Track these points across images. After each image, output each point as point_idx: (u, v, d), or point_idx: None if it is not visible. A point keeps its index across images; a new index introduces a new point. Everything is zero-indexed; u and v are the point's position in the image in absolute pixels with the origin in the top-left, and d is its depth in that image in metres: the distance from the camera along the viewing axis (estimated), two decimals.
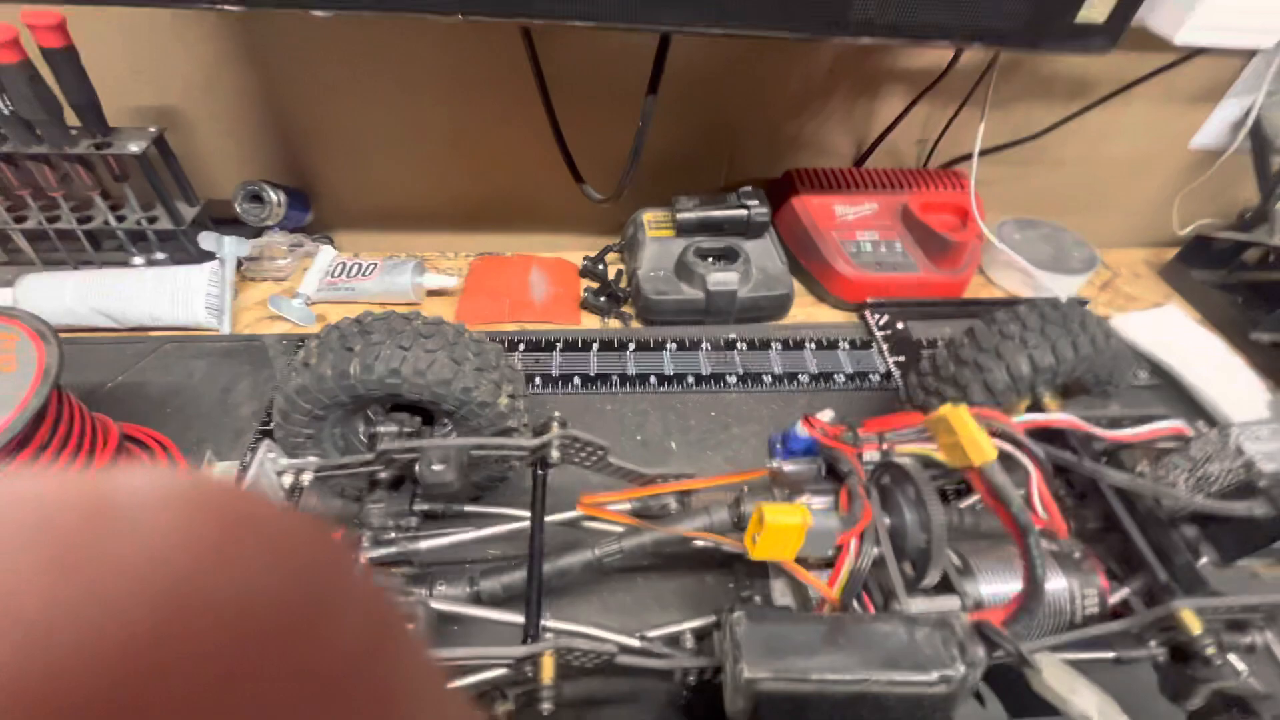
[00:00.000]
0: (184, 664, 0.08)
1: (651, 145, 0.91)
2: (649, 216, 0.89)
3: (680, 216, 0.84)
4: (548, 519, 0.44)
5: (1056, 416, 0.45)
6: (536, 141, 0.85)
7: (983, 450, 0.30)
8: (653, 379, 0.76)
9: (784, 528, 0.33)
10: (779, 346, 0.81)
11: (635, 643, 0.36)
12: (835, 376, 0.78)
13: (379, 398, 0.51)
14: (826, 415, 0.47)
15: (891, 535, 0.40)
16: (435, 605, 0.39)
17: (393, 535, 0.43)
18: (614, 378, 0.76)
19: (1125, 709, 0.49)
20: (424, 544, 0.43)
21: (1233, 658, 0.37)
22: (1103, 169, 1.00)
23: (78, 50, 0.66)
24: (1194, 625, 0.35)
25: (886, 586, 0.38)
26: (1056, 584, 0.41)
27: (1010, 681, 0.41)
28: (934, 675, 0.33)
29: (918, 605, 0.37)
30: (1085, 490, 0.50)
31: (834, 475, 0.44)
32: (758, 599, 0.45)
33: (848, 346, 0.82)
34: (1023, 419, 0.46)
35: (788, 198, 0.91)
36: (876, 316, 0.85)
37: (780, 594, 0.44)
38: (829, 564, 0.40)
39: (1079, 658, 0.44)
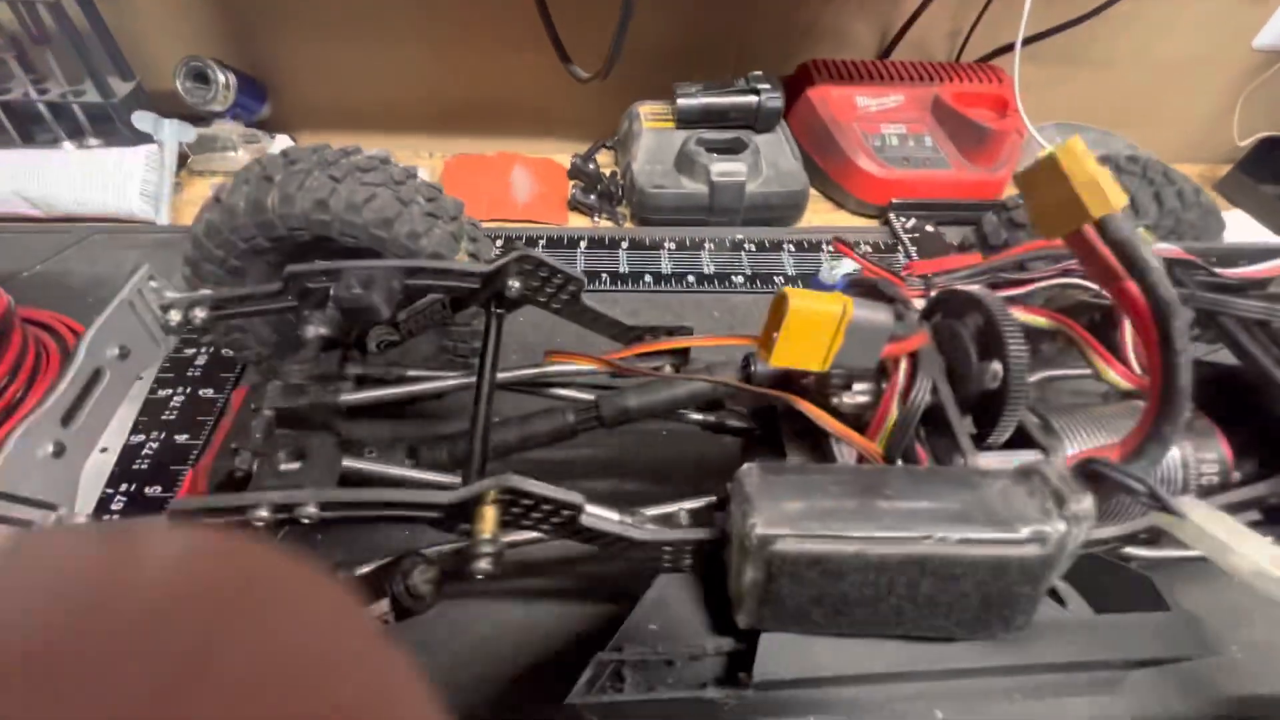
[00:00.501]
0: (197, 714, 0.08)
1: (650, 33, 0.80)
2: (646, 109, 0.79)
3: (681, 103, 0.74)
4: (506, 375, 0.35)
5: (1162, 246, 0.35)
6: (521, 19, 0.74)
7: (1107, 195, 0.21)
8: (648, 277, 0.67)
9: (816, 315, 0.23)
10: (792, 248, 0.71)
11: (602, 509, 0.27)
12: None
13: (306, 244, 0.42)
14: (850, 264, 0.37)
15: (949, 379, 0.31)
16: (349, 462, 0.29)
17: (312, 391, 0.34)
18: (604, 275, 0.66)
19: None
20: (348, 397, 0.33)
21: None
22: (1155, 72, 0.90)
23: None
24: None
25: (943, 443, 0.29)
26: None
27: (1091, 575, 0.31)
28: (1023, 532, 0.24)
29: (989, 462, 0.28)
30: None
31: None
32: None
33: (870, 249, 0.72)
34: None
35: (803, 91, 0.80)
36: (903, 219, 0.75)
37: None
38: (860, 423, 0.31)
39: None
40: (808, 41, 0.85)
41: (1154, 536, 0.28)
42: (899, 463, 0.29)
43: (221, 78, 0.73)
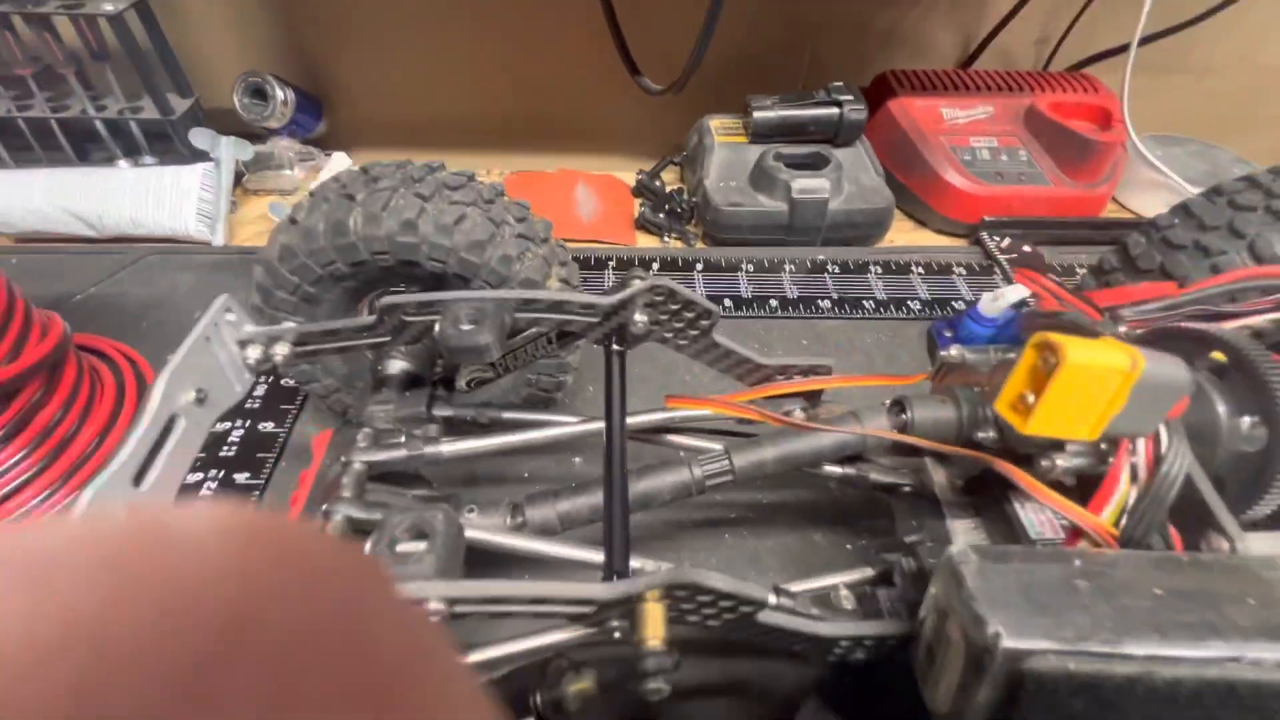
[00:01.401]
0: (239, 683, 0.08)
1: (718, 44, 0.76)
2: (716, 123, 0.75)
3: (758, 116, 0.70)
4: (641, 419, 0.30)
5: None
6: (584, 32, 0.71)
7: None
8: (728, 301, 0.62)
9: (1099, 371, 0.18)
10: (878, 270, 0.66)
11: (774, 598, 0.22)
12: (954, 304, 0.62)
13: (389, 270, 0.38)
14: (1014, 294, 0.32)
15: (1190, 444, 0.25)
16: (471, 533, 0.25)
17: (402, 439, 0.30)
18: None
19: None
20: (445, 448, 0.29)
21: None
22: (1259, 77, 0.83)
23: None
24: None
25: (1195, 516, 0.23)
26: None
27: None
28: None
29: (1259, 545, 0.23)
30: None
31: None
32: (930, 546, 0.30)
33: (964, 271, 0.67)
34: None
35: (883, 103, 0.75)
36: (996, 238, 0.69)
37: (967, 543, 0.30)
38: (1071, 485, 0.25)
39: None
40: (885, 51, 0.80)
41: None
42: (1140, 547, 0.23)
43: (280, 94, 0.71)
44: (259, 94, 0.70)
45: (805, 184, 0.66)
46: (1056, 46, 0.79)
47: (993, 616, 0.19)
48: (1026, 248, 0.69)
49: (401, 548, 0.22)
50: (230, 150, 0.68)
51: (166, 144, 0.68)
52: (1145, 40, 0.71)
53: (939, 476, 0.32)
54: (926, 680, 0.22)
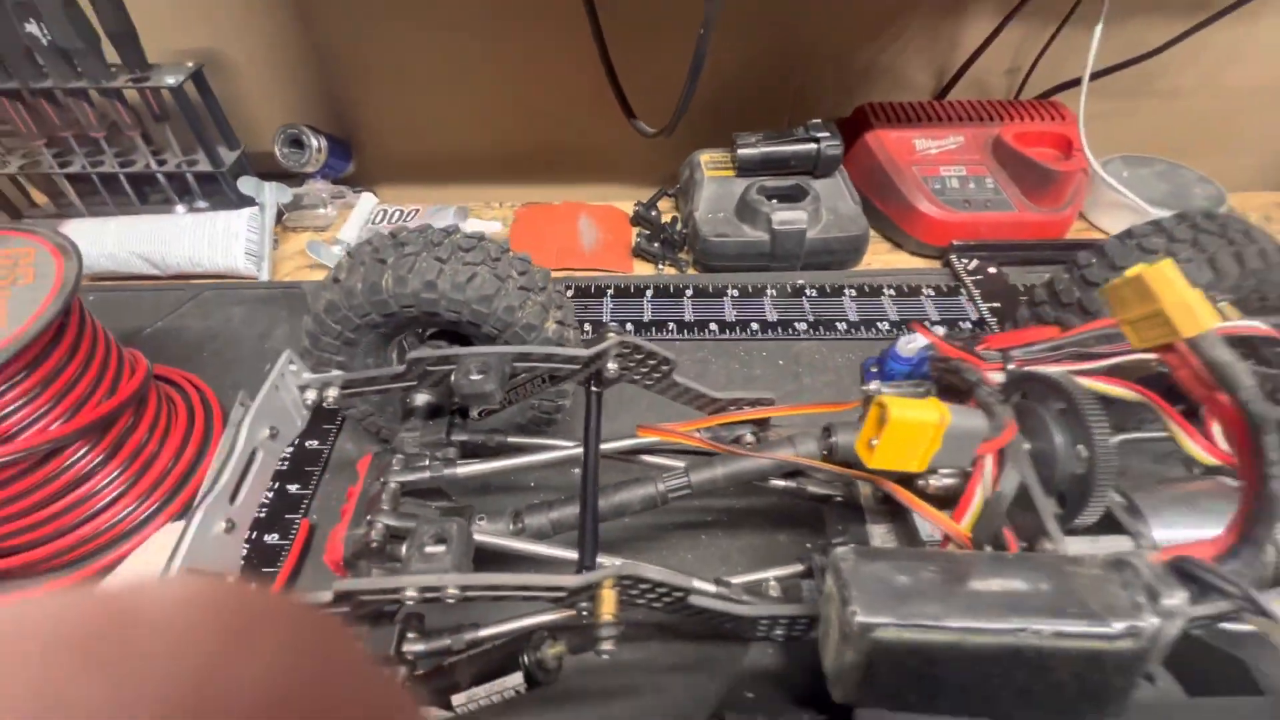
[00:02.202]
0: None
1: (709, 83, 0.83)
2: (706, 157, 0.82)
3: (742, 153, 0.77)
4: (613, 446, 0.38)
5: (1247, 323, 0.35)
6: (585, 77, 0.78)
7: (1197, 316, 0.22)
8: (713, 325, 0.69)
9: (915, 424, 0.25)
10: (853, 293, 0.73)
11: (710, 586, 0.29)
12: (922, 324, 0.69)
13: (414, 318, 0.46)
14: (939, 331, 0.39)
15: (1034, 461, 0.32)
16: (479, 537, 0.33)
17: (427, 462, 0.38)
18: (670, 324, 0.69)
19: None
20: (461, 470, 0.37)
21: None
22: (1226, 99, 0.88)
23: None
24: None
25: (1029, 525, 0.30)
26: None
27: (1184, 655, 0.32)
28: (1118, 626, 0.25)
29: (1076, 547, 0.29)
30: None
31: (951, 397, 0.36)
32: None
33: (932, 293, 0.73)
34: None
35: (860, 135, 0.82)
36: (964, 261, 0.76)
37: (880, 543, 0.37)
38: (945, 501, 0.32)
39: None
40: (865, 84, 0.86)
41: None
42: (987, 548, 0.30)
43: (314, 143, 0.79)
44: (296, 143, 0.79)
45: (784, 215, 0.73)
46: (1026, 77, 0.84)
47: (854, 599, 0.26)
48: (992, 269, 0.75)
49: (429, 549, 0.30)
50: (273, 195, 0.77)
51: (217, 189, 0.77)
52: (1097, 75, 0.77)
53: (864, 489, 0.39)
54: (822, 648, 0.30)
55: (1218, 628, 0.31)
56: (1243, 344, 0.36)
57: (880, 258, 0.81)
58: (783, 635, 0.32)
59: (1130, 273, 0.24)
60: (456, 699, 0.28)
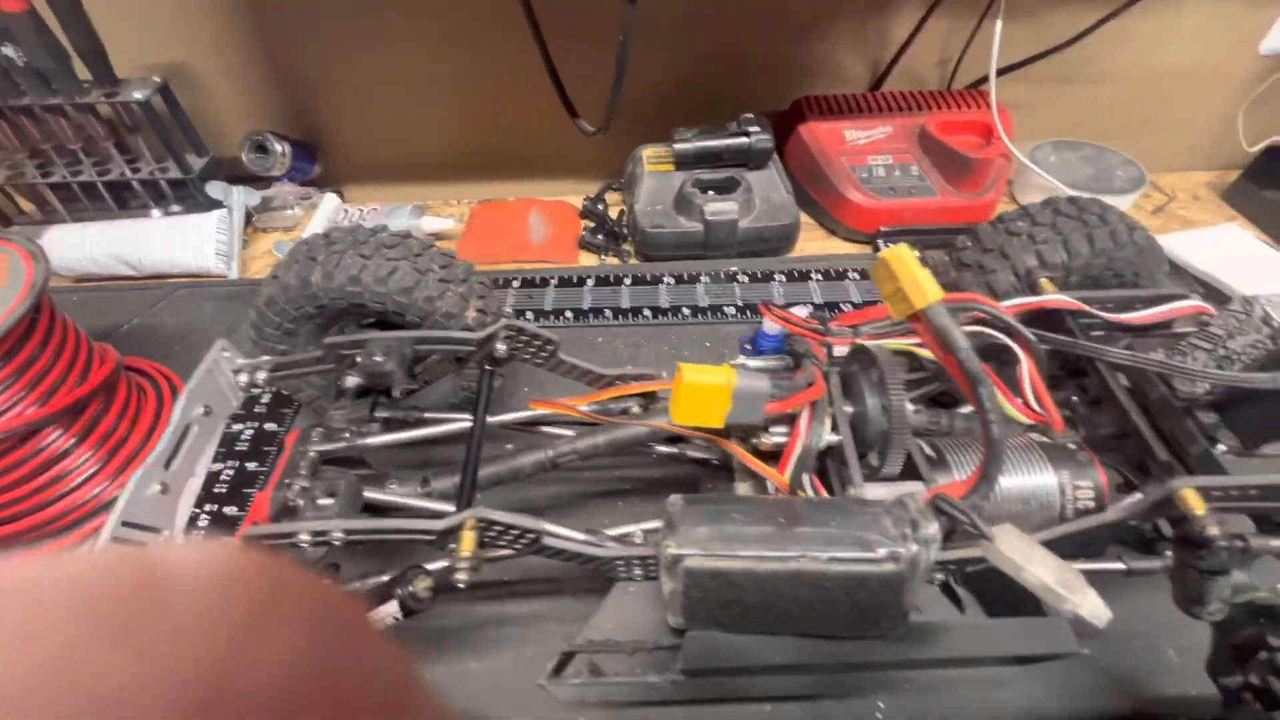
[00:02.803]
0: None
1: (652, 81, 0.88)
2: (649, 152, 0.86)
3: (678, 148, 0.81)
4: (500, 418, 0.43)
5: (1052, 297, 0.40)
6: (531, 81, 0.83)
7: (924, 292, 0.27)
8: (647, 311, 0.74)
9: (704, 387, 0.30)
10: (782, 279, 0.77)
11: (562, 530, 0.34)
12: (843, 306, 0.73)
13: (345, 310, 0.51)
14: (801, 311, 0.43)
15: (854, 423, 0.37)
16: (376, 495, 0.38)
17: (347, 435, 0.43)
18: (607, 311, 0.74)
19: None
20: (371, 440, 0.42)
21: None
22: (1156, 83, 0.91)
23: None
24: (1196, 505, 0.30)
25: (846, 475, 0.35)
26: (1044, 478, 0.37)
27: (992, 585, 0.37)
28: (880, 553, 0.30)
29: (876, 492, 0.34)
30: (1100, 395, 0.45)
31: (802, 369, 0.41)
32: None
33: (857, 276, 0.77)
34: (1013, 302, 0.42)
35: (795, 127, 0.86)
36: (890, 245, 0.79)
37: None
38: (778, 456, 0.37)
39: (1083, 568, 0.40)
40: (803, 78, 0.90)
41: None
42: (803, 492, 0.35)
43: (279, 148, 0.84)
44: (262, 149, 0.84)
45: (716, 207, 0.77)
46: (955, 67, 0.88)
47: (671, 537, 0.31)
48: (916, 253, 0.79)
49: (320, 501, 0.35)
50: (241, 198, 0.83)
51: (189, 194, 0.83)
52: (1012, 67, 0.80)
53: (734, 451, 0.44)
54: (662, 585, 0.35)
55: None
56: (1053, 315, 0.40)
57: (815, 244, 0.85)
58: (642, 575, 0.37)
59: (879, 256, 0.28)
60: None
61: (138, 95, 0.73)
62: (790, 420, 0.37)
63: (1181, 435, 0.36)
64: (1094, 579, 0.40)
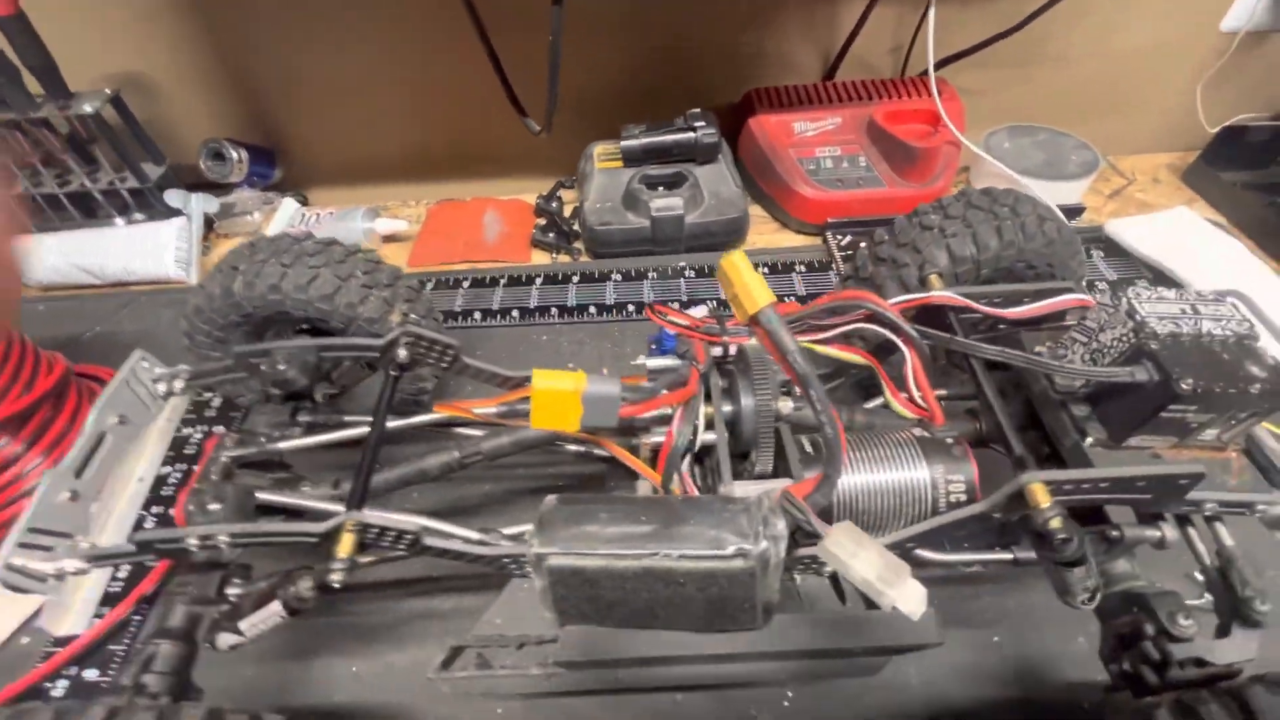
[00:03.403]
0: None
1: (606, 75, 0.88)
2: (600, 149, 0.86)
3: (625, 144, 0.81)
4: (405, 421, 0.44)
5: (936, 294, 0.40)
6: (485, 80, 0.83)
7: (754, 297, 0.27)
8: (592, 309, 0.75)
9: (554, 393, 0.31)
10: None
11: (443, 526, 0.35)
12: (785, 299, 0.74)
13: (269, 317, 0.52)
14: (699, 311, 0.44)
15: (732, 422, 0.38)
16: (265, 496, 0.39)
17: (263, 439, 0.45)
18: (553, 309, 0.75)
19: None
20: (285, 444, 0.43)
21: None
22: (1115, 63, 0.89)
23: (28, 16, 0.69)
24: (1042, 499, 0.31)
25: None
26: (917, 472, 0.37)
27: None
28: (729, 549, 0.31)
29: (745, 489, 0.35)
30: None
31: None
32: None
33: (804, 269, 0.78)
34: (901, 299, 0.42)
35: (745, 118, 0.86)
36: (838, 237, 0.80)
37: (645, 494, 0.43)
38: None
39: (975, 558, 0.41)
40: (754, 69, 0.90)
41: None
42: (677, 490, 0.36)
43: (234, 154, 0.86)
44: (219, 156, 0.86)
45: (661, 203, 0.78)
46: (907, 55, 0.87)
47: (538, 536, 0.33)
48: (864, 244, 0.79)
49: (210, 507, 0.36)
50: (199, 205, 0.84)
51: (150, 202, 0.84)
52: (970, 50, 0.80)
53: (613, 451, 0.45)
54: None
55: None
56: (936, 312, 0.41)
57: (765, 237, 0.85)
58: (519, 571, 0.39)
59: (719, 262, 0.29)
60: (242, 624, 0.35)
61: (88, 108, 0.74)
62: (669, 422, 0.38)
63: (1057, 428, 0.37)
64: (995, 568, 0.41)
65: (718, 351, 0.39)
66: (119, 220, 0.86)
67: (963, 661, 0.47)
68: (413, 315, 0.54)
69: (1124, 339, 0.34)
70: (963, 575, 0.50)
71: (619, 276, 0.78)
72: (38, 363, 0.59)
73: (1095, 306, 0.37)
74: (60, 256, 0.80)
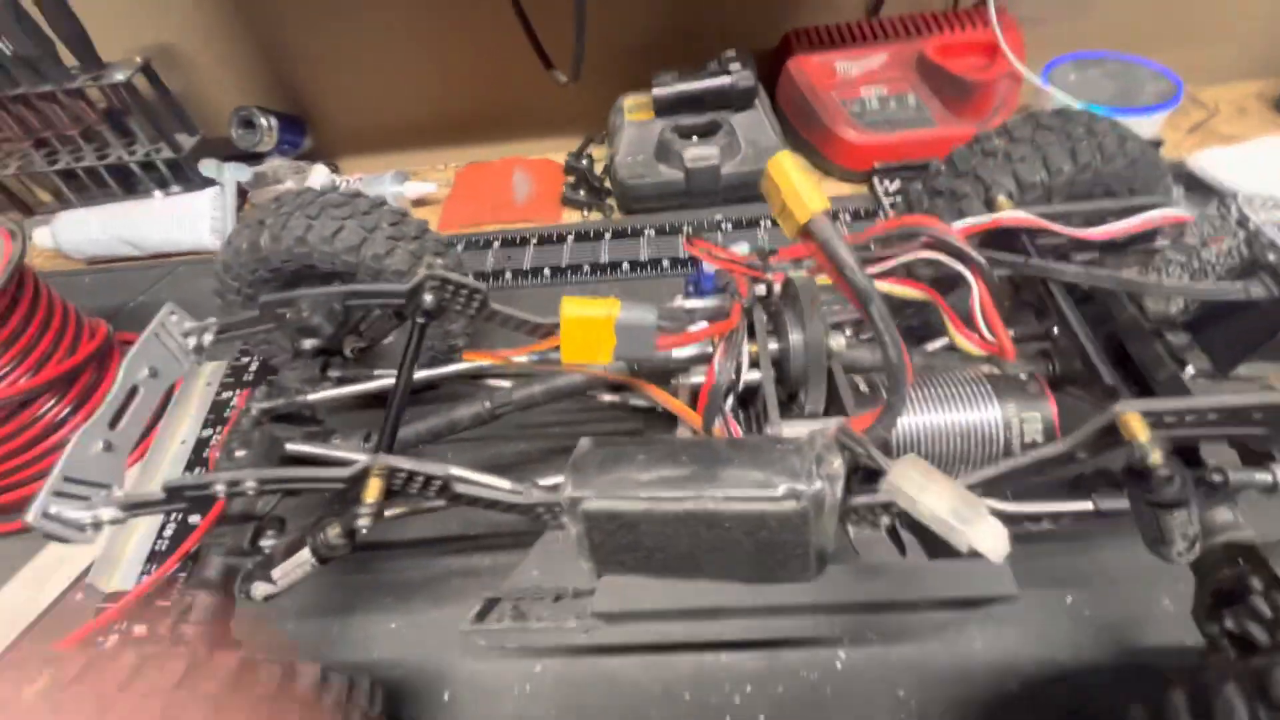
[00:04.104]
0: None
1: (632, 26, 0.84)
2: (630, 101, 0.83)
3: (657, 93, 0.77)
4: (432, 372, 0.43)
5: (1007, 214, 0.36)
6: (511, 35, 0.80)
7: (806, 202, 0.24)
8: (625, 265, 0.72)
9: (585, 321, 0.29)
10: (768, 224, 0.74)
11: (470, 474, 0.33)
12: None
13: (298, 272, 0.51)
14: (741, 248, 0.41)
15: (779, 360, 0.35)
16: (294, 447, 0.38)
17: (292, 391, 0.44)
18: (585, 267, 0.72)
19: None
20: (314, 396, 0.42)
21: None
22: None
23: None
24: (1138, 431, 0.27)
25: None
26: (987, 411, 0.34)
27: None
28: (779, 490, 0.28)
29: (795, 430, 0.32)
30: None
31: None
32: None
33: (849, 219, 0.73)
34: (965, 223, 0.38)
35: (784, 62, 0.81)
36: (886, 183, 0.75)
37: None
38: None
39: (1049, 509, 0.37)
40: (792, 9, 0.85)
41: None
42: (719, 432, 0.33)
43: (264, 122, 0.85)
44: (249, 124, 0.85)
45: (696, 153, 0.74)
46: None
47: (571, 479, 0.31)
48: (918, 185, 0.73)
49: (237, 453, 0.35)
50: (232, 174, 0.84)
51: (186, 174, 0.85)
52: None
53: (649, 391, 0.42)
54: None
55: None
56: (1004, 238, 0.37)
57: None
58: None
59: (765, 167, 0.26)
60: (275, 574, 0.34)
61: (120, 76, 0.74)
62: (708, 360, 0.35)
63: (1149, 359, 0.33)
64: (1073, 521, 0.37)
65: (760, 291, 0.36)
66: (157, 193, 0.86)
67: (1032, 624, 0.44)
68: (439, 263, 0.53)
69: (1233, 252, 0.30)
70: (1026, 533, 0.46)
71: (652, 232, 0.75)
72: (80, 328, 0.59)
73: (1194, 221, 0.33)
74: (102, 230, 0.81)
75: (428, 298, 0.41)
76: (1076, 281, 0.33)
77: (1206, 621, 0.35)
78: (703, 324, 0.32)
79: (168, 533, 0.55)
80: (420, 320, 0.42)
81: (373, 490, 0.32)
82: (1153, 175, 0.46)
